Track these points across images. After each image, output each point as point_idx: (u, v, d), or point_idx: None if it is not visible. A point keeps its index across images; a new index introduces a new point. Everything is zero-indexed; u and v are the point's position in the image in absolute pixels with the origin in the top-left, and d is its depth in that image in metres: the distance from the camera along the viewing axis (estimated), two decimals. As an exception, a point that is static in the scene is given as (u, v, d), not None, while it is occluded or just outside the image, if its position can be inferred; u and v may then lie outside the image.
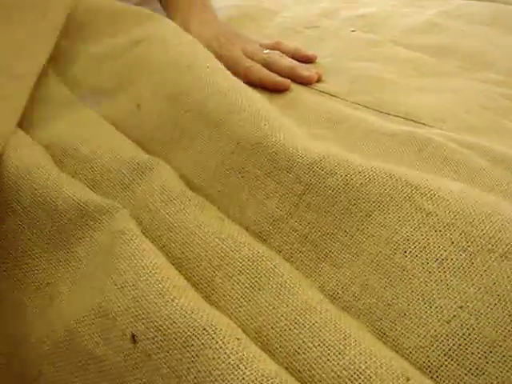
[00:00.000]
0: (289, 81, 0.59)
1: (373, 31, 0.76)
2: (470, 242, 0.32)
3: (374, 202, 0.34)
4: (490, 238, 0.31)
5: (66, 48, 0.56)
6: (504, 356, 0.28)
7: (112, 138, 0.43)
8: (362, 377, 0.27)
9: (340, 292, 0.32)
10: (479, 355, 0.28)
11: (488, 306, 0.29)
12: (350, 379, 0.27)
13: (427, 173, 0.44)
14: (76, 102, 0.49)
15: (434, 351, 0.29)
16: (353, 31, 0.75)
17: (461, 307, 0.30)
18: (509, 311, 0.29)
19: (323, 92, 0.59)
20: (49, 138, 0.44)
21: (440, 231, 0.32)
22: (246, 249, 0.34)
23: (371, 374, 0.27)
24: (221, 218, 0.36)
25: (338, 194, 0.35)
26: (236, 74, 0.60)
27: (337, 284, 0.32)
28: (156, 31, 0.54)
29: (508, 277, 0.30)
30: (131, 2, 0.82)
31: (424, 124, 0.53)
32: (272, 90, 0.59)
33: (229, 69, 0.61)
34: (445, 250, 0.31)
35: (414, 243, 0.32)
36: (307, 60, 0.65)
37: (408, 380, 0.27)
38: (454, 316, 0.29)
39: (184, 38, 0.53)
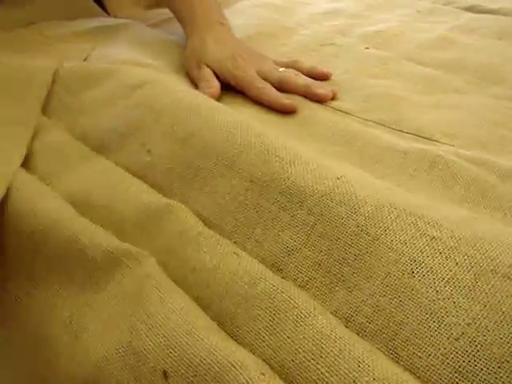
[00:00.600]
0: (295, 104, 0.61)
1: (386, 48, 0.78)
2: (473, 264, 0.34)
3: (380, 228, 0.37)
4: (492, 260, 0.34)
5: (71, 101, 0.58)
6: (512, 372, 0.30)
7: (128, 184, 0.45)
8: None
9: (354, 315, 0.34)
10: (488, 371, 0.30)
11: (494, 323, 0.31)
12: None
13: (438, 190, 0.47)
14: (89, 153, 0.51)
15: (445, 369, 0.31)
16: (366, 48, 0.78)
17: (468, 324, 0.31)
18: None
19: (337, 110, 0.62)
20: (67, 190, 0.46)
21: (445, 253, 0.34)
22: (262, 284, 0.36)
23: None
24: (236, 253, 0.39)
25: (347, 221, 0.38)
26: (249, 94, 0.64)
27: (350, 307, 0.35)
28: (155, 76, 0.56)
29: (511, 295, 0.32)
30: (150, 21, 0.85)
31: (436, 141, 0.56)
32: (280, 112, 0.61)
33: (242, 89, 0.64)
34: (450, 271, 0.34)
35: (420, 264, 0.34)
36: (323, 77, 0.67)
37: None
38: (463, 333, 0.31)
39: (182, 84, 0.56)
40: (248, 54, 0.68)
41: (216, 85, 0.64)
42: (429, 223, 0.36)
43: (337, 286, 0.36)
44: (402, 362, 0.32)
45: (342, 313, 0.35)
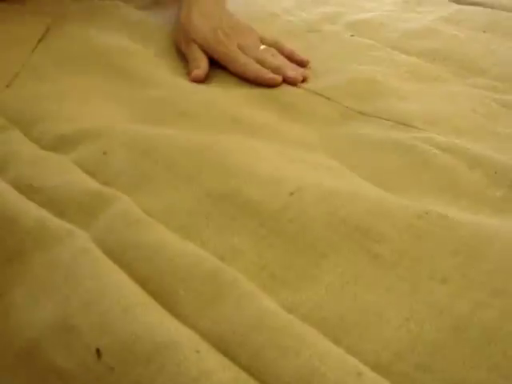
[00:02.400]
0: (280, 78, 0.63)
1: (371, 36, 0.78)
2: (413, 275, 0.37)
3: (328, 246, 0.39)
4: (430, 269, 0.37)
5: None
6: (447, 355, 0.32)
7: (76, 176, 0.45)
8: (317, 374, 0.30)
9: (296, 308, 0.35)
10: (425, 355, 0.32)
11: (431, 318, 0.34)
12: (306, 377, 0.30)
13: (407, 177, 0.48)
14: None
15: (384, 352, 0.32)
16: (352, 36, 0.78)
17: (407, 319, 0.34)
18: (449, 320, 0.33)
19: (320, 95, 0.62)
20: (15, 178, 0.46)
21: (386, 268, 0.37)
22: (209, 263, 0.37)
23: (325, 371, 0.30)
24: (181, 241, 0.39)
25: (298, 238, 0.40)
26: (231, 69, 0.65)
27: (293, 302, 0.35)
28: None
29: (447, 296, 0.35)
30: (140, 2, 0.85)
31: (415, 127, 0.56)
32: (265, 85, 0.63)
33: (225, 64, 0.65)
34: (391, 281, 0.37)
35: (364, 277, 0.37)
36: (300, 63, 0.67)
37: (360, 375, 0.30)
38: (401, 325, 0.33)
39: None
40: (232, 27, 0.69)
41: (203, 65, 0.65)
42: (374, 239, 0.39)
43: (281, 287, 0.37)
44: (343, 348, 0.32)
45: (285, 305, 0.35)
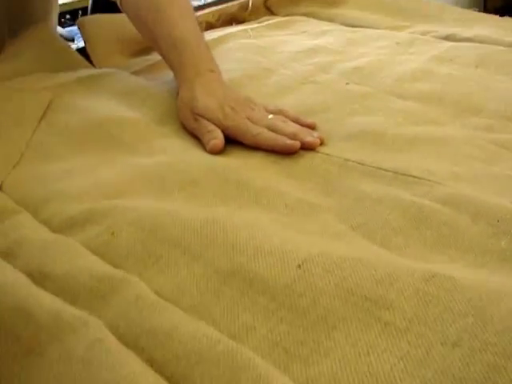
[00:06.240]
0: (298, 143, 0.63)
1: (366, 82, 0.80)
2: (424, 340, 0.37)
3: (338, 318, 0.39)
4: (441, 334, 0.37)
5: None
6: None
7: (86, 260, 0.46)
8: None
9: (311, 383, 0.36)
10: None
11: None
12: None
13: (411, 236, 0.49)
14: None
15: None
16: (347, 84, 0.79)
17: None
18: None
19: (320, 152, 0.63)
20: (27, 264, 0.47)
21: (397, 336, 0.38)
22: (222, 345, 0.37)
23: None
24: (193, 321, 0.40)
25: (308, 311, 0.40)
26: (245, 141, 0.65)
27: (307, 377, 0.36)
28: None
29: (460, 360, 0.35)
30: (134, 68, 0.87)
31: (414, 177, 0.57)
32: (282, 153, 0.63)
33: (236, 138, 0.66)
34: (403, 350, 0.37)
35: (376, 347, 0.37)
36: (308, 128, 0.67)
37: None
38: None
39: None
40: (236, 101, 0.69)
41: (220, 135, 0.65)
42: (383, 306, 0.40)
43: (294, 362, 0.37)
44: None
45: (301, 382, 0.36)
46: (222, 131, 0.66)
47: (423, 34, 1.00)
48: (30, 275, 0.46)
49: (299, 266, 0.43)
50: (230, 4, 1.11)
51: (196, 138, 0.69)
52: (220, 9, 1.10)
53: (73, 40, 1.69)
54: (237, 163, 0.62)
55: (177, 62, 0.75)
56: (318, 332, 0.39)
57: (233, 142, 0.66)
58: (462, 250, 0.47)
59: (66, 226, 0.52)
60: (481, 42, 0.94)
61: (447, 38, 0.97)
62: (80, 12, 2.10)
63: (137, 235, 0.48)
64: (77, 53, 0.89)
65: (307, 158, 0.63)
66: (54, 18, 1.01)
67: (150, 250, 0.47)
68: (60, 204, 0.54)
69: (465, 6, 2.16)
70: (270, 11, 1.17)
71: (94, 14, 2.03)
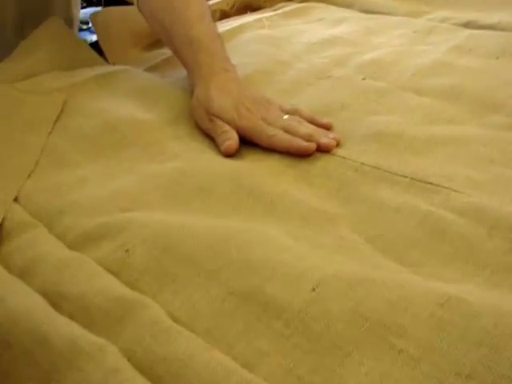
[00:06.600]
0: (314, 144, 0.62)
1: (382, 77, 0.78)
2: (438, 370, 0.36)
3: (352, 344, 0.39)
4: (455, 364, 0.36)
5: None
6: None
7: (101, 280, 0.46)
8: None
9: None
10: None
11: None
12: None
13: (427, 249, 0.48)
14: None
15: None
16: (363, 79, 0.78)
17: None
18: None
19: (335, 155, 0.62)
20: (43, 283, 0.47)
21: (411, 365, 0.37)
22: (236, 376, 0.37)
23: None
24: (208, 348, 0.40)
25: (322, 337, 0.40)
26: (259, 143, 0.65)
27: None
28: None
29: None
30: (148, 63, 0.86)
31: (431, 183, 0.56)
32: (298, 155, 0.62)
33: (251, 139, 0.65)
34: (416, 380, 0.36)
35: (389, 376, 0.37)
36: (323, 128, 0.67)
37: None
38: None
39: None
40: (252, 101, 0.69)
41: (234, 136, 0.65)
42: (397, 333, 0.39)
43: None
44: None
45: None
46: (237, 132, 0.66)
47: (442, 20, 0.98)
48: (46, 295, 0.46)
49: (313, 290, 0.43)
50: (244, -9, 1.09)
51: (210, 138, 0.68)
52: (234, -4, 1.08)
53: (87, 23, 1.68)
54: (251, 167, 0.62)
55: (192, 61, 0.75)
56: (331, 359, 0.39)
57: (247, 142, 0.66)
58: (478, 266, 0.47)
59: (80, 242, 0.52)
60: (503, 29, 0.91)
61: (467, 25, 0.95)
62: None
63: (151, 252, 0.49)
64: (90, 48, 0.88)
65: (323, 161, 0.62)
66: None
67: (164, 269, 0.47)
68: (74, 217, 0.54)
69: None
70: (286, -4, 1.15)
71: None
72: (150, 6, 0.81)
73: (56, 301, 0.46)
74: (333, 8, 1.09)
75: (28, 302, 0.44)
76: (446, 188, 0.55)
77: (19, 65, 0.81)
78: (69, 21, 0.98)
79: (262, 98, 0.70)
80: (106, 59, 0.89)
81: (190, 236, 0.49)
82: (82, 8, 1.73)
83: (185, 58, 0.76)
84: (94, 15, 0.91)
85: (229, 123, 0.67)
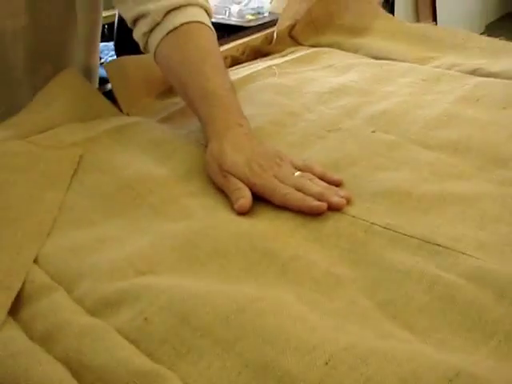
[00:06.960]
0: (325, 204, 0.64)
1: (392, 130, 0.80)
2: None
3: None
4: None
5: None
6: None
7: (121, 350, 0.47)
8: None
9: None
10: None
11: None
12: None
13: (436, 316, 0.50)
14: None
15: None
16: (373, 132, 0.80)
17: None
18: None
19: (346, 214, 0.64)
20: (64, 351, 0.49)
21: None
22: None
23: None
24: None
25: None
26: (272, 200, 0.66)
27: None
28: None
29: None
30: (161, 115, 0.88)
31: (439, 245, 0.58)
32: (309, 214, 0.64)
33: (263, 196, 0.67)
34: None
35: None
36: (333, 184, 0.68)
37: None
38: None
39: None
40: (264, 157, 0.70)
41: (248, 194, 0.66)
42: None
43: None
44: None
45: None
46: (250, 189, 0.67)
47: (449, 67, 1.00)
48: (68, 364, 0.48)
49: (326, 363, 0.44)
50: (254, 36, 1.12)
51: (224, 193, 0.70)
52: (244, 42, 1.10)
53: (99, 58, 1.71)
54: (264, 228, 0.63)
55: (207, 114, 0.76)
56: None
57: (260, 197, 0.68)
58: (487, 335, 0.48)
59: (99, 308, 0.53)
60: (508, 77, 0.93)
61: (474, 72, 0.97)
62: (106, 27, 2.12)
63: (169, 321, 0.50)
64: (105, 98, 0.90)
65: (334, 220, 0.63)
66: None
67: (182, 339, 0.48)
68: (92, 282, 0.56)
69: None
70: (295, 40, 1.17)
71: (121, 30, 2.06)
72: (167, 59, 0.83)
73: (77, 369, 0.47)
74: (340, 53, 1.11)
75: (51, 374, 0.46)
76: (454, 250, 0.57)
77: (35, 117, 0.84)
78: (87, 70, 1.01)
79: (275, 155, 0.72)
80: (119, 108, 0.91)
81: (205, 305, 0.50)
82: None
83: (199, 111, 0.78)
84: (107, 65, 0.93)
85: (242, 180, 0.68)
